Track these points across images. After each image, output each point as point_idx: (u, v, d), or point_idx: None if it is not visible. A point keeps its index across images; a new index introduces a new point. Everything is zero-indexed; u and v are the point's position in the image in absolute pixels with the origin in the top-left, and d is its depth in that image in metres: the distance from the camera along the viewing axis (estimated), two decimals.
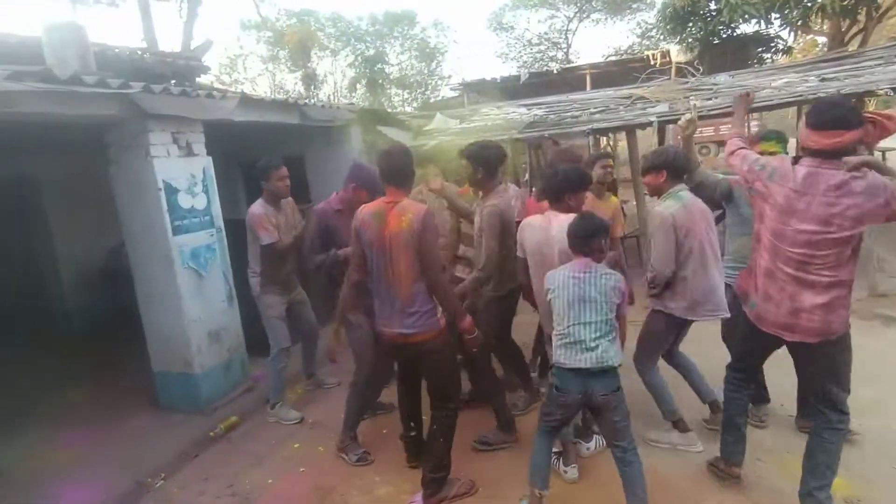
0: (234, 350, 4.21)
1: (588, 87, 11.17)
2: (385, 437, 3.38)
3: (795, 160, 2.26)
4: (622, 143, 13.83)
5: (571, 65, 15.30)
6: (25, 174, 5.60)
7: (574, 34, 22.52)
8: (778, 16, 9.75)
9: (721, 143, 14.09)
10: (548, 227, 2.72)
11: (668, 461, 2.94)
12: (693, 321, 2.97)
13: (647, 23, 20.04)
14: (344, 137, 5.97)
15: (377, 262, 2.61)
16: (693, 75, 8.52)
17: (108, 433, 3.73)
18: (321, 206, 3.46)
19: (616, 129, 7.15)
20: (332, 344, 2.91)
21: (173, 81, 5.63)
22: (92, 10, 13.22)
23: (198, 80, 7.59)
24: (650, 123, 5.67)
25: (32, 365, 5.11)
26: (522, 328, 3.67)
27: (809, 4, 8.95)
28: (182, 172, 3.84)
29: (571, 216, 2.63)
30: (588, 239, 2.42)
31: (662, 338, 3.06)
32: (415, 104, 19.57)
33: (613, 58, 17.35)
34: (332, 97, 18.60)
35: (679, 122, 3.16)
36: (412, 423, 3.04)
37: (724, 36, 10.92)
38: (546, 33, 22.78)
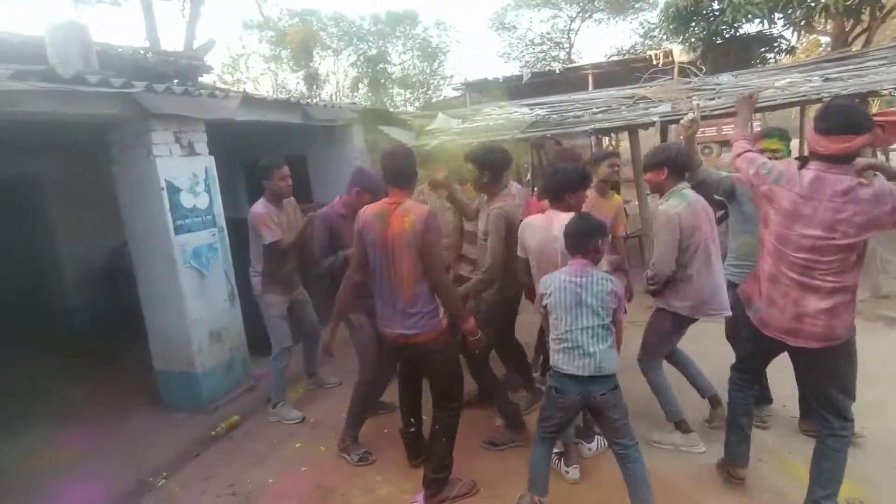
0: (236, 349, 4.22)
1: (590, 87, 11.16)
2: (386, 436, 3.38)
3: (802, 164, 2.24)
4: (624, 143, 13.80)
5: (574, 65, 15.28)
6: (28, 173, 5.61)
7: (576, 34, 22.54)
8: (781, 15, 9.72)
9: (724, 144, 14.10)
10: (549, 226, 2.71)
11: (669, 462, 2.93)
12: (696, 320, 2.97)
13: (649, 22, 20.03)
14: (346, 137, 5.98)
15: (380, 262, 2.61)
16: (696, 75, 8.50)
17: (109, 432, 3.74)
18: (325, 211, 3.45)
19: (618, 129, 7.13)
20: (328, 340, 2.93)
21: (176, 81, 5.65)
22: (95, 10, 13.28)
23: (200, 79, 7.59)
24: (653, 123, 5.66)
25: (34, 364, 5.11)
26: (524, 327, 3.66)
27: (813, 4, 8.92)
28: (184, 172, 3.85)
29: (572, 215, 2.63)
30: (585, 239, 2.40)
31: (667, 337, 3.05)
32: (417, 104, 19.59)
33: (616, 58, 17.32)
34: (334, 97, 18.62)
35: (681, 122, 3.15)
36: (412, 419, 3.05)
37: (727, 36, 10.90)
38: (548, 33, 22.79)
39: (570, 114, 6.58)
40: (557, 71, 12.92)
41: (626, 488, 2.43)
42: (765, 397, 3.22)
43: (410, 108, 17.99)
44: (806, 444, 2.95)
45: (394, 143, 5.21)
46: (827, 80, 5.72)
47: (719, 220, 3.68)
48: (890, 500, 2.56)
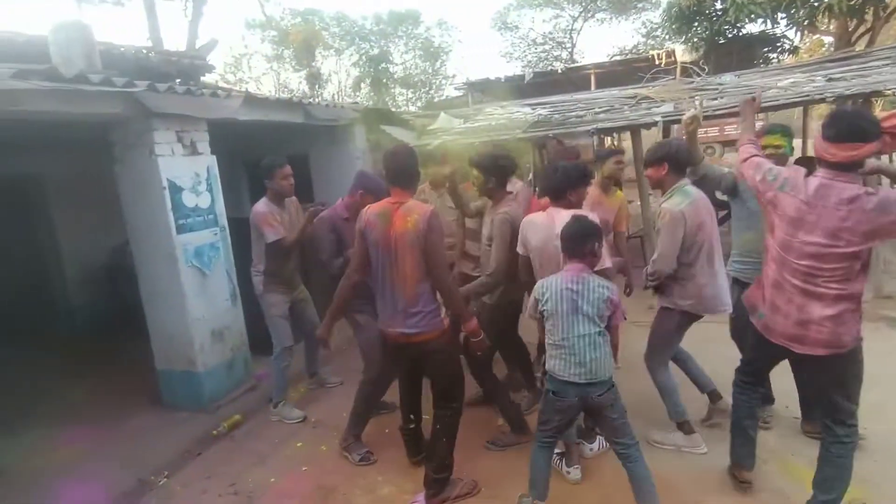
0: (238, 349, 4.22)
1: (593, 87, 11.15)
2: (388, 436, 3.38)
3: (805, 165, 2.24)
4: (626, 143, 13.80)
5: (576, 64, 15.27)
6: (30, 173, 5.62)
7: (579, 34, 22.53)
8: (784, 15, 9.69)
9: (727, 143, 14.08)
10: (551, 224, 2.70)
11: (671, 462, 2.92)
12: (702, 316, 2.95)
13: (652, 22, 20.03)
14: (348, 136, 5.98)
15: (382, 262, 2.61)
16: (698, 75, 8.48)
17: (110, 431, 3.75)
18: (328, 214, 3.45)
19: (621, 129, 7.12)
20: (323, 332, 2.96)
21: (178, 80, 5.66)
22: (98, 10, 13.29)
23: (202, 79, 7.60)
24: (655, 123, 5.65)
25: (35, 363, 5.13)
26: (527, 326, 3.66)
27: (816, 4, 8.89)
28: (186, 171, 3.85)
29: (574, 212, 2.64)
30: (581, 242, 2.39)
31: (674, 335, 3.04)
32: (419, 103, 19.59)
33: (618, 57, 17.31)
34: (336, 96, 18.63)
35: (683, 118, 3.14)
36: (412, 416, 3.06)
37: (730, 36, 10.88)
38: (551, 33, 22.79)
39: (573, 113, 6.57)
40: (560, 71, 12.92)
41: (627, 488, 2.43)
42: (767, 398, 3.20)
43: (412, 108, 17.99)
44: (808, 446, 2.95)
45: (396, 142, 5.21)
46: (830, 80, 5.71)
47: (721, 221, 3.68)
48: (891, 501, 2.55)
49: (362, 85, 19.42)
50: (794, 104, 5.57)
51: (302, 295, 3.99)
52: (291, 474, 3.20)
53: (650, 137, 7.68)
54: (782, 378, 3.02)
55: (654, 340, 3.09)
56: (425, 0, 24.97)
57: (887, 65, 5.87)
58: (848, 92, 5.09)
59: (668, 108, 5.93)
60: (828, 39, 12.87)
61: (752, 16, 9.61)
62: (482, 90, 12.60)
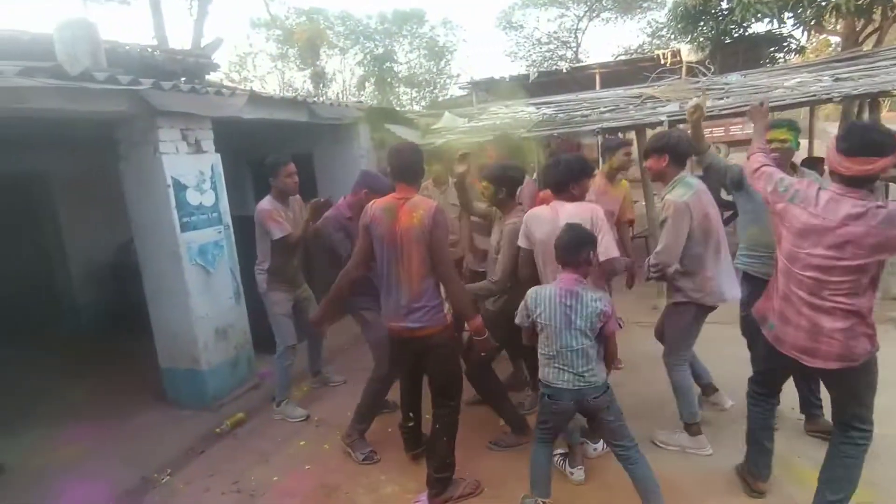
0: (241, 347, 4.23)
1: (598, 87, 11.10)
2: (391, 436, 3.37)
3: (810, 166, 2.22)
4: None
5: (581, 64, 15.20)
6: (36, 170, 5.64)
7: (584, 33, 22.49)
8: (791, 15, 9.62)
9: (732, 144, 14.01)
10: (555, 217, 2.70)
11: (675, 464, 2.91)
12: (716, 307, 2.93)
13: (657, 22, 19.98)
14: (352, 135, 5.98)
15: (387, 257, 2.62)
16: (704, 75, 8.43)
17: (114, 429, 3.76)
18: (332, 214, 3.45)
19: (626, 129, 7.10)
20: (315, 317, 3.06)
21: (183, 79, 5.65)
22: (103, 8, 13.32)
23: (207, 77, 7.61)
24: (660, 123, 5.62)
25: (40, 361, 5.15)
26: None
27: (823, 4, 8.82)
28: (191, 169, 3.85)
29: (578, 204, 2.66)
30: (575, 251, 2.38)
31: (693, 328, 3.00)
32: (423, 103, 19.58)
33: (623, 57, 17.23)
34: (340, 95, 18.65)
35: (686, 107, 3.12)
36: (411, 415, 3.08)
37: (736, 35, 10.81)
38: (555, 32, 22.74)
39: (578, 113, 6.55)
40: (564, 70, 12.85)
41: (631, 489, 2.43)
42: None
43: (417, 107, 17.99)
44: (813, 447, 2.93)
45: (400, 141, 5.20)
46: (837, 79, 5.66)
47: (727, 222, 3.66)
48: None
49: (367, 84, 19.46)
50: (801, 104, 5.53)
51: (305, 294, 3.99)
52: (294, 473, 3.20)
53: None
54: (788, 381, 3.00)
55: (672, 337, 3.05)
56: None
57: (895, 65, 5.82)
58: (855, 92, 5.05)
59: (673, 107, 5.89)
60: (834, 39, 12.79)
61: (759, 15, 9.56)
62: (487, 89, 12.56)
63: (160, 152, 3.64)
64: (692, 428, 3.01)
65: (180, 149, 3.79)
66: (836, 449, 2.31)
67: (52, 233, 6.04)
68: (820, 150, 8.25)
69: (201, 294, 3.89)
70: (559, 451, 2.91)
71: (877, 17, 9.42)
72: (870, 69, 5.87)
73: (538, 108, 7.23)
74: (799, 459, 2.86)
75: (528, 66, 21.17)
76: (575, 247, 2.38)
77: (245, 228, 4.00)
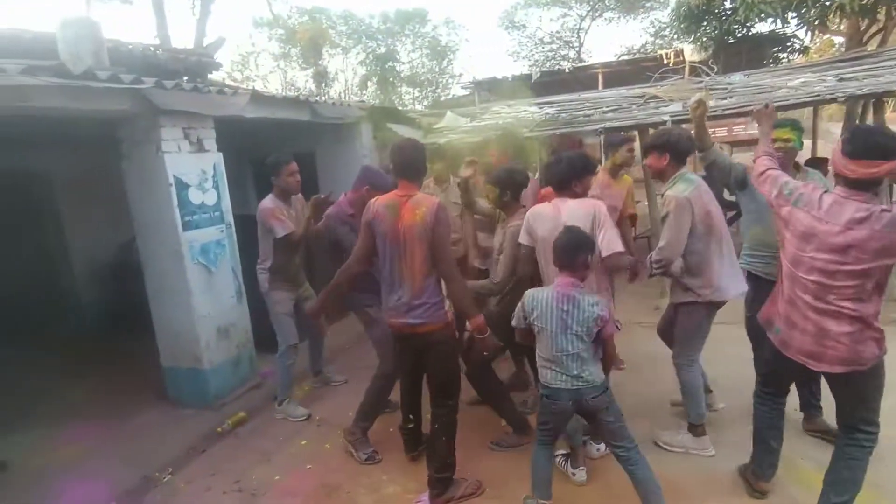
0: (243, 346, 4.22)
1: (600, 87, 11.08)
2: (392, 435, 3.36)
3: (813, 166, 2.20)
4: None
5: (583, 64, 15.18)
6: (38, 169, 5.64)
7: (586, 33, 22.41)
8: (795, 15, 9.58)
9: (735, 144, 13.98)
10: (557, 214, 2.70)
11: (677, 465, 2.90)
12: (725, 302, 2.91)
13: (660, 21, 19.88)
14: (354, 135, 5.97)
15: (390, 253, 2.62)
16: (707, 74, 8.41)
17: (116, 428, 3.76)
18: (332, 212, 3.45)
19: (628, 129, 7.09)
20: (313, 308, 3.11)
21: (185, 78, 5.66)
22: (106, 7, 13.35)
23: (210, 76, 7.62)
24: (663, 123, 5.60)
25: (43, 360, 5.15)
26: None
27: (828, 3, 8.78)
28: (193, 168, 3.85)
29: (580, 201, 2.66)
30: (573, 254, 2.37)
31: (704, 326, 2.97)
32: (425, 102, 19.56)
33: (626, 57, 17.18)
34: (342, 94, 18.63)
35: (688, 103, 3.09)
36: (411, 416, 3.09)
37: (740, 35, 10.77)
38: (558, 32, 22.66)
39: (580, 113, 6.54)
40: (567, 70, 12.84)
41: (633, 490, 2.41)
42: None
43: (419, 107, 17.97)
44: (816, 448, 2.93)
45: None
46: (841, 79, 5.64)
47: (730, 222, 3.65)
48: None
49: (369, 83, 19.42)
50: (805, 104, 5.52)
51: (307, 293, 3.98)
52: (296, 472, 3.20)
53: None
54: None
55: (684, 337, 3.01)
56: None
57: None
58: (859, 92, 5.04)
59: (676, 107, 5.88)
60: (838, 39, 12.73)
61: (762, 15, 9.51)
62: (489, 89, 12.56)
63: (162, 151, 3.64)
64: (698, 429, 2.99)
65: (182, 148, 3.79)
66: (841, 451, 2.30)
67: (54, 232, 6.04)
68: (823, 151, 8.23)
69: (203, 293, 3.89)
70: (561, 451, 2.90)
71: (881, 17, 9.37)
72: (874, 69, 5.85)
73: (541, 108, 7.22)
74: (802, 460, 2.85)
75: (530, 66, 21.11)
76: (572, 250, 2.37)
77: (247, 228, 3.99)
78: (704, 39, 11.10)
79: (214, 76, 8.31)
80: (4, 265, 5.72)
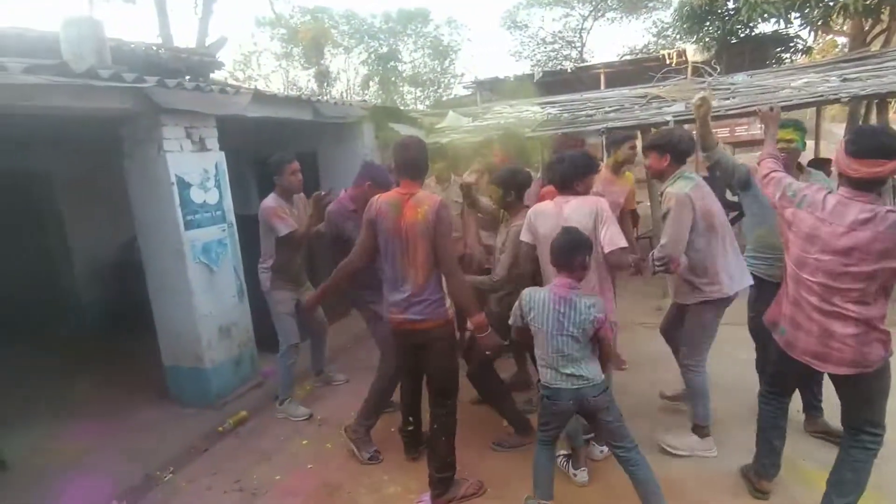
0: (244, 345, 4.22)
1: (602, 87, 11.07)
2: (393, 435, 3.36)
3: (816, 167, 2.19)
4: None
5: (586, 64, 15.16)
6: (40, 169, 5.64)
7: (589, 33, 22.39)
8: (798, 15, 9.55)
9: (736, 145, 13.95)
10: (559, 212, 2.70)
11: (679, 466, 2.89)
12: (734, 298, 2.90)
13: (663, 22, 19.85)
14: (356, 134, 5.97)
15: (392, 251, 2.63)
16: (710, 75, 8.39)
17: (117, 427, 3.76)
18: (334, 208, 3.44)
19: (631, 129, 7.08)
20: (312, 301, 3.15)
21: (187, 77, 5.67)
22: (109, 6, 13.35)
23: (212, 76, 7.62)
24: (666, 123, 5.59)
25: (44, 359, 5.16)
26: None
27: (831, 4, 8.76)
28: (195, 167, 3.85)
29: (582, 198, 2.67)
30: (570, 255, 2.37)
31: (712, 326, 2.95)
32: (427, 102, 19.56)
33: (628, 57, 17.18)
34: (344, 94, 18.63)
35: (692, 101, 3.07)
36: (410, 418, 3.09)
37: (742, 35, 10.75)
38: (560, 32, 22.64)
39: (582, 113, 6.53)
40: (569, 70, 12.83)
41: (634, 491, 2.40)
42: None
43: (421, 107, 17.96)
44: (817, 449, 2.92)
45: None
46: (845, 80, 5.63)
47: (731, 222, 3.64)
48: None
49: (371, 83, 19.42)
50: (808, 104, 5.50)
51: (308, 292, 3.98)
52: (296, 472, 3.20)
53: None
54: None
55: (693, 338, 2.98)
56: None
57: None
58: (863, 92, 5.02)
59: (679, 107, 5.88)
60: (841, 40, 12.69)
61: (765, 15, 9.49)
62: (491, 89, 12.55)
63: (164, 150, 3.64)
64: (703, 430, 2.97)
65: (184, 147, 3.78)
66: (846, 453, 2.29)
67: (55, 232, 6.04)
68: (826, 151, 8.21)
69: (205, 292, 3.89)
70: (562, 452, 2.90)
71: (885, 17, 9.34)
72: (878, 70, 5.84)
73: (543, 108, 7.22)
74: (804, 461, 2.84)
75: (532, 66, 21.07)
76: (570, 251, 2.37)
77: (248, 227, 3.99)
78: (707, 39, 11.07)
79: (216, 75, 8.32)
80: (5, 265, 5.73)
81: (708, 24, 10.86)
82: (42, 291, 6.10)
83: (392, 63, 19.50)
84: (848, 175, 2.06)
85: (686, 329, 3.02)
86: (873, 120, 6.16)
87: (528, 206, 3.18)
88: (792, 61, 11.19)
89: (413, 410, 3.09)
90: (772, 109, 2.73)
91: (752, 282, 2.92)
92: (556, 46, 22.85)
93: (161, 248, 3.83)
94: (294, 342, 3.80)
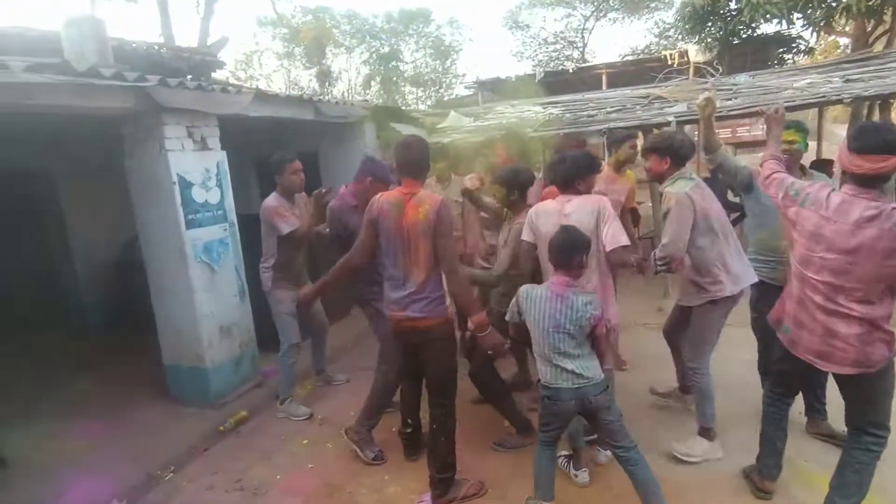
0: (245, 345, 4.22)
1: (604, 87, 11.06)
2: (394, 435, 3.36)
3: (818, 168, 2.18)
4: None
5: (587, 64, 15.16)
6: (41, 168, 5.65)
7: (590, 33, 22.40)
8: (800, 16, 9.53)
9: (738, 145, 13.94)
10: (561, 211, 2.71)
11: (680, 467, 2.89)
12: (740, 296, 2.89)
13: (664, 22, 19.86)
14: (357, 134, 5.97)
15: (394, 250, 2.63)
16: (712, 75, 8.38)
17: (118, 426, 3.76)
18: (336, 204, 3.44)
19: (633, 129, 7.08)
20: (309, 294, 3.16)
21: (189, 76, 5.67)
22: (110, 5, 13.35)
23: (213, 75, 7.63)
24: (668, 123, 5.59)
25: (47, 358, 5.17)
26: None
27: (834, 4, 8.75)
28: (196, 166, 3.85)
29: (584, 197, 2.68)
30: (569, 255, 2.38)
31: (718, 326, 2.93)
32: (429, 102, 19.56)
33: (630, 57, 17.16)
34: (346, 94, 18.64)
35: (697, 102, 3.04)
36: (409, 420, 3.09)
37: (745, 36, 10.72)
38: (562, 32, 22.65)
39: (584, 113, 6.52)
40: (571, 70, 12.82)
41: (634, 492, 2.40)
42: None
43: (422, 107, 17.96)
44: (819, 451, 2.92)
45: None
46: (848, 80, 5.61)
47: (734, 223, 3.63)
48: None
49: (372, 83, 19.43)
50: (810, 105, 5.49)
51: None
52: (297, 471, 3.19)
53: None
54: None
55: (698, 338, 2.96)
56: None
57: None
58: (866, 93, 5.01)
59: (680, 108, 5.87)
60: (843, 41, 12.66)
61: (768, 16, 9.46)
62: (492, 89, 12.55)
63: (166, 149, 3.64)
64: (710, 432, 2.95)
65: (186, 146, 3.78)
66: (849, 454, 2.28)
67: (56, 230, 6.05)
68: (828, 152, 8.20)
69: (206, 292, 3.89)
70: (563, 452, 2.89)
71: (887, 18, 9.32)
72: (880, 71, 5.83)
73: (544, 108, 7.21)
74: (806, 463, 2.84)
75: (534, 66, 21.09)
76: (568, 250, 2.38)
77: (250, 227, 3.99)
78: (709, 40, 11.05)
79: (218, 75, 8.34)
80: (7, 264, 5.73)
81: (710, 24, 10.84)
82: (43, 291, 6.11)
83: (394, 63, 19.51)
84: (851, 171, 2.06)
85: (691, 330, 3.01)
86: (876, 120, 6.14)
87: (531, 205, 3.19)
88: (794, 62, 11.17)
89: (412, 413, 3.09)
90: (777, 111, 2.71)
91: (756, 279, 2.91)
92: (558, 47, 22.86)
93: (162, 247, 3.83)
94: (295, 342, 3.80)
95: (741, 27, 10.31)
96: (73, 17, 4.32)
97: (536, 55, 22.99)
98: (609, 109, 6.43)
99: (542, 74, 12.48)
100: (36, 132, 4.64)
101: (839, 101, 5.39)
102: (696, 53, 11.15)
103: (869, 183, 2.03)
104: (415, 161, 2.65)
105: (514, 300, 2.52)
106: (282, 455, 3.38)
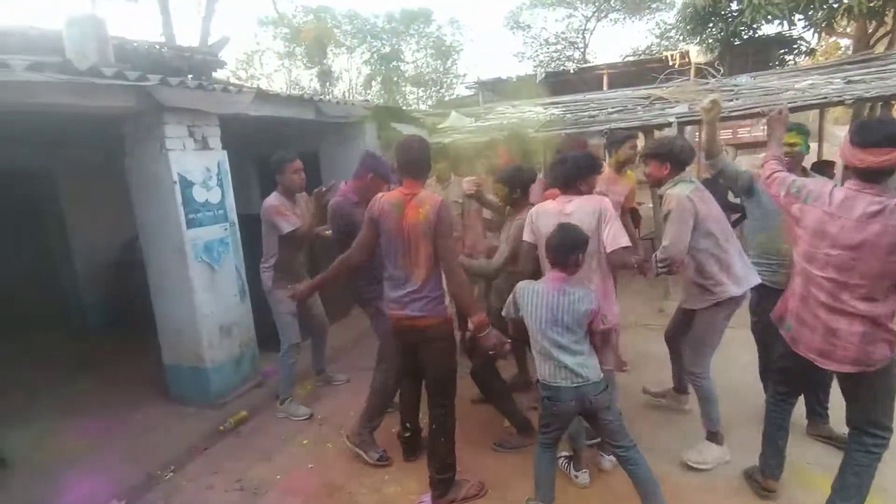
0: (246, 345, 4.22)
1: (605, 88, 11.06)
2: (395, 436, 3.36)
3: (820, 168, 2.18)
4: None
5: (588, 65, 15.15)
6: (41, 167, 5.65)
7: (592, 34, 22.36)
8: (802, 17, 9.54)
9: (739, 146, 13.92)
10: (562, 211, 2.70)
11: (679, 466, 2.88)
12: (744, 296, 2.89)
13: (666, 23, 19.83)
14: (358, 134, 5.97)
15: (394, 250, 2.63)
16: (713, 76, 8.38)
17: (118, 425, 3.76)
18: (337, 202, 3.43)
19: (634, 130, 7.08)
20: (305, 290, 3.13)
21: (190, 76, 5.67)
22: (112, 5, 13.39)
23: (214, 75, 7.63)
24: (669, 124, 5.59)
25: (47, 357, 5.16)
26: None
27: (835, 5, 8.75)
28: (197, 166, 3.85)
29: (586, 198, 2.68)
30: (566, 253, 2.38)
31: (720, 329, 2.91)
32: (430, 102, 19.55)
33: (631, 58, 17.15)
34: (347, 94, 18.63)
35: (702, 104, 3.01)
36: (408, 425, 3.10)
37: (746, 37, 10.72)
38: (563, 33, 22.61)
39: (585, 113, 6.52)
40: (572, 71, 12.82)
41: (635, 493, 2.39)
42: None
43: (423, 107, 17.96)
44: (820, 452, 2.92)
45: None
46: (849, 82, 5.61)
47: (734, 224, 3.63)
48: None
49: (373, 83, 19.42)
50: (812, 106, 5.48)
51: None
52: (297, 471, 3.19)
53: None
54: None
55: (700, 341, 2.94)
56: None
57: None
58: (867, 95, 5.00)
59: (682, 108, 5.86)
60: (844, 42, 12.65)
61: (769, 17, 9.46)
62: (493, 89, 12.55)
63: (166, 149, 3.64)
64: (717, 436, 2.93)
65: (187, 145, 3.78)
66: (850, 456, 2.28)
67: (57, 230, 6.05)
68: (829, 154, 8.19)
69: (206, 291, 3.88)
70: (564, 453, 2.89)
71: (889, 19, 9.32)
72: (882, 72, 5.82)
73: (546, 109, 7.20)
74: (807, 464, 2.83)
75: (535, 67, 21.08)
76: (566, 249, 2.39)
77: (250, 227, 3.98)
78: (710, 41, 11.05)
79: (219, 74, 8.34)
80: (7, 264, 5.74)
81: (711, 25, 10.84)
82: (43, 291, 6.11)
83: (395, 63, 19.50)
84: (854, 166, 2.06)
85: (694, 333, 2.99)
86: None
87: (533, 204, 3.19)
88: (795, 63, 11.16)
89: (411, 415, 3.08)
90: (780, 112, 2.70)
91: (759, 280, 2.91)
92: (559, 47, 22.83)
93: (162, 246, 3.83)
94: (295, 342, 3.79)
95: (742, 28, 10.30)
96: (75, 16, 4.32)
97: (537, 55, 22.97)
98: (610, 110, 6.43)
99: (543, 75, 12.48)
100: (36, 131, 4.64)
101: (840, 103, 5.37)
102: (697, 54, 11.15)
103: (872, 177, 2.03)
104: (416, 161, 2.65)
105: (510, 296, 2.53)
106: (282, 455, 3.38)
